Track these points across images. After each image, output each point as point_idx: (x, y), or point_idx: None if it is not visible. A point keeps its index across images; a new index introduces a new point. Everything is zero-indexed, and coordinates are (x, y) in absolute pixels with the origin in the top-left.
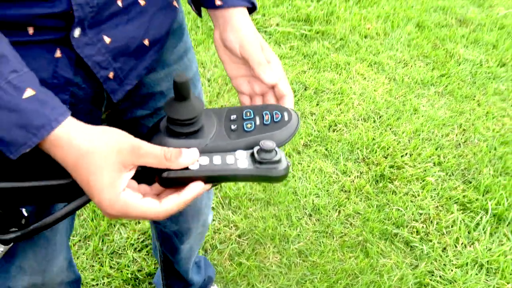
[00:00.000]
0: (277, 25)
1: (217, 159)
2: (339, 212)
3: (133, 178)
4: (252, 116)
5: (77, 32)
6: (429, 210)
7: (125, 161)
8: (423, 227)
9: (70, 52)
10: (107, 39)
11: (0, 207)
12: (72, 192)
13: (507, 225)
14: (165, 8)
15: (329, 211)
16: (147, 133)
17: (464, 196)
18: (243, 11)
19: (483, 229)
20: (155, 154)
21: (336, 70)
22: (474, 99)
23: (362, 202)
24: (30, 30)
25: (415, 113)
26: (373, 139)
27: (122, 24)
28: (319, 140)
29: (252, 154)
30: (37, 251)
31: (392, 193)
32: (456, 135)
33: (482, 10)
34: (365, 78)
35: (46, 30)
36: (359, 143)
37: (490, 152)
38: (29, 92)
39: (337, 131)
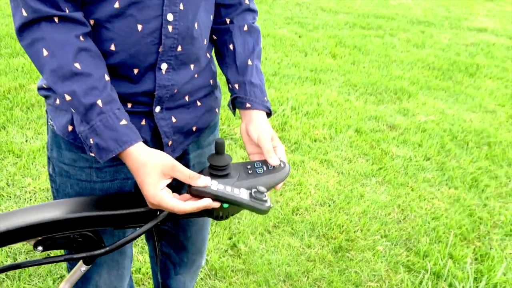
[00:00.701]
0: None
1: (228, 188)
2: (308, 277)
3: (170, 188)
4: (261, 165)
5: (158, 109)
6: (381, 272)
7: (165, 172)
8: (377, 285)
9: (151, 122)
10: (174, 119)
11: (91, 231)
12: (142, 218)
13: (444, 280)
14: (210, 111)
15: (300, 277)
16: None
17: (408, 260)
18: (263, 113)
19: (426, 285)
20: (184, 173)
21: (293, 167)
22: (408, 186)
23: (326, 268)
24: (129, 105)
25: (361, 198)
26: (330, 219)
27: (184, 113)
28: (285, 222)
29: (250, 192)
30: (111, 272)
31: (350, 260)
32: (397, 213)
33: (407, 118)
34: (318, 173)
35: (138, 104)
36: (318, 222)
37: (425, 225)
38: (123, 122)
39: (299, 214)
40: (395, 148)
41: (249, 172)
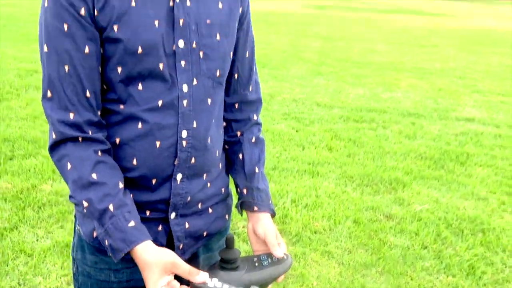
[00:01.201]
0: (243, 227)
1: (226, 286)
2: None
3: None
4: (266, 258)
5: (173, 215)
6: None
7: (167, 268)
8: None
9: (166, 228)
10: (187, 225)
11: None
12: None
13: None
14: (221, 218)
15: None
16: (209, 268)
17: None
18: (268, 214)
19: None
20: (184, 269)
21: (295, 259)
22: (407, 275)
23: None
24: (147, 212)
25: None
26: None
27: (197, 219)
28: None
29: None
30: None
31: None
32: None
33: (403, 207)
34: (319, 264)
35: (155, 211)
36: None
37: None
38: (132, 223)
39: None
40: (393, 238)
41: (256, 264)
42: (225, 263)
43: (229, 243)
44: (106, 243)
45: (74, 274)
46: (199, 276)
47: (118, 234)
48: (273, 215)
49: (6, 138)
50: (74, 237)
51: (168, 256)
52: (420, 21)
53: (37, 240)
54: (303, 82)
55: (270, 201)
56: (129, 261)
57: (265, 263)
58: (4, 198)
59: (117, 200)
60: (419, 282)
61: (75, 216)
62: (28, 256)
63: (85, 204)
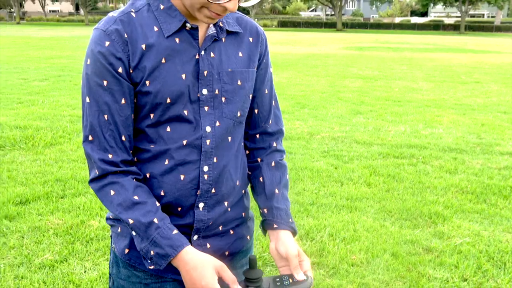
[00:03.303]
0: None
1: None
2: None
3: None
4: (287, 278)
5: (195, 237)
6: None
7: (217, 269)
8: None
9: None
10: (208, 245)
11: None
12: None
13: None
14: (242, 238)
15: None
16: None
17: None
18: (288, 233)
19: None
20: (230, 275)
21: None
22: None
23: None
24: (175, 231)
25: None
26: None
27: (217, 240)
28: None
29: None
30: None
31: None
32: None
33: (442, 241)
34: None
35: (182, 229)
36: None
37: None
38: (175, 231)
39: None
40: (432, 271)
41: (278, 284)
42: (249, 282)
43: (252, 263)
44: (152, 253)
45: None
46: (237, 286)
47: (165, 242)
48: (294, 233)
49: (58, 178)
50: (110, 255)
51: (217, 259)
52: (462, 58)
53: (84, 272)
54: (342, 121)
55: (290, 220)
56: (158, 277)
57: (286, 282)
58: (55, 233)
59: (159, 214)
60: None
61: (111, 237)
62: (77, 286)
63: (131, 221)
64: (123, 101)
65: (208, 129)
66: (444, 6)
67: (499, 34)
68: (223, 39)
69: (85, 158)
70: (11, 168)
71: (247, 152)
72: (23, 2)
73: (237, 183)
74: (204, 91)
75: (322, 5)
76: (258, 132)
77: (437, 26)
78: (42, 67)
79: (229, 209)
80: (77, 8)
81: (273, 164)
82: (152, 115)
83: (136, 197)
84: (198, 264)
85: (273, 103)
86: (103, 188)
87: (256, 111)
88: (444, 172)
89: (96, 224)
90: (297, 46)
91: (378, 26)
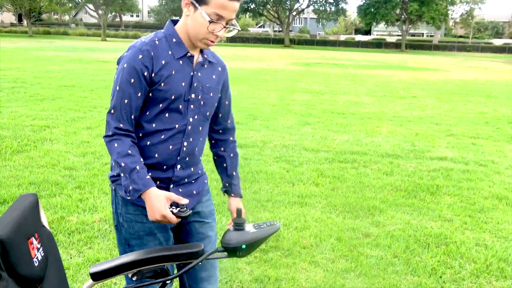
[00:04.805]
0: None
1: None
2: None
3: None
4: (264, 223)
5: (172, 186)
6: None
7: (168, 197)
8: None
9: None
10: (180, 190)
11: (164, 265)
12: (191, 257)
13: None
14: (202, 183)
15: None
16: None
17: None
18: (238, 199)
19: None
20: (176, 197)
21: (287, 268)
22: (379, 276)
23: None
24: (157, 182)
25: None
26: None
27: (186, 186)
28: None
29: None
30: None
31: None
32: None
33: (379, 228)
34: (307, 271)
35: (162, 183)
36: None
37: None
38: (148, 176)
39: None
40: (369, 250)
41: (255, 227)
42: (236, 225)
43: (239, 213)
44: (130, 188)
45: (117, 226)
46: (184, 200)
47: (140, 181)
48: (240, 197)
49: (31, 181)
50: (114, 203)
51: (167, 192)
52: (402, 75)
53: (71, 258)
54: (292, 131)
55: (240, 191)
56: None
57: (263, 226)
58: None
59: (141, 164)
60: (389, 281)
61: (115, 190)
62: (66, 269)
63: (123, 164)
64: (139, 94)
65: (191, 119)
66: (386, 25)
67: (437, 53)
68: (206, 66)
69: (53, 164)
70: None
71: (213, 141)
72: None
73: (200, 157)
74: (192, 95)
75: (270, 22)
76: (221, 128)
77: (379, 44)
78: None
79: (192, 169)
80: (19, 19)
81: (231, 155)
82: (161, 105)
83: (129, 151)
84: (154, 198)
85: (230, 111)
86: (111, 141)
87: (220, 115)
88: (381, 174)
89: (75, 220)
90: (247, 61)
91: (324, 43)
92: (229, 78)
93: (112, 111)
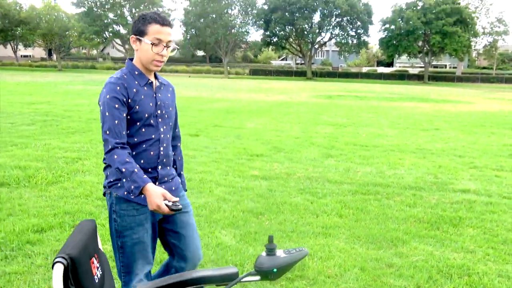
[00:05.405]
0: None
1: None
2: None
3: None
4: (294, 250)
5: (157, 183)
6: None
7: (163, 194)
8: None
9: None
10: (163, 187)
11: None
12: (227, 279)
13: None
14: (177, 181)
15: None
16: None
17: None
18: (185, 192)
19: None
20: (170, 196)
21: None
22: None
23: None
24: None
25: None
26: None
27: (167, 183)
28: None
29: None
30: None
31: None
32: None
33: (402, 259)
34: None
35: (151, 179)
36: None
37: None
38: (145, 176)
39: None
40: (392, 280)
41: (286, 252)
42: (268, 251)
43: (271, 240)
44: (132, 187)
45: (113, 219)
46: (175, 198)
47: (139, 180)
48: (186, 191)
49: (66, 211)
50: (109, 204)
51: (163, 189)
52: (424, 107)
53: None
54: (315, 163)
55: (185, 186)
56: (140, 205)
57: (293, 251)
58: None
59: (138, 168)
60: None
61: (110, 193)
62: None
63: (123, 170)
64: (124, 115)
65: (161, 130)
66: (408, 57)
67: (460, 84)
68: (162, 88)
69: (87, 195)
70: (21, 203)
71: None
72: None
73: (172, 159)
74: (159, 111)
75: (292, 55)
76: (172, 136)
77: (402, 76)
78: (26, 112)
79: (168, 168)
80: (49, 54)
81: (179, 158)
82: (138, 123)
83: (127, 159)
84: (153, 192)
85: (178, 122)
86: (111, 154)
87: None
88: (404, 206)
89: (109, 248)
90: (269, 94)
91: (346, 75)
92: (253, 110)
93: (107, 132)
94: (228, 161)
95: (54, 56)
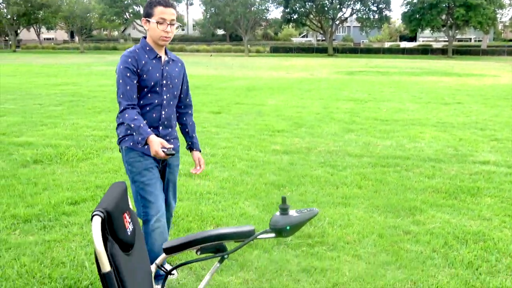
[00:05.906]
0: (290, 240)
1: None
2: None
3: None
4: (305, 210)
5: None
6: None
7: (161, 142)
8: None
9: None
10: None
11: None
12: (245, 235)
13: None
14: (177, 143)
15: None
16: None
17: None
18: (198, 152)
19: None
20: (166, 143)
21: (332, 261)
22: (418, 268)
23: None
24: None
25: (384, 277)
26: None
27: (169, 143)
28: None
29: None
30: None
31: None
32: (410, 286)
33: (419, 226)
34: (350, 263)
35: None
36: None
37: None
38: (149, 130)
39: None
40: (409, 246)
41: (298, 212)
42: (282, 210)
43: (284, 200)
44: (140, 138)
45: (129, 167)
46: (169, 145)
47: (144, 132)
48: (200, 151)
49: (97, 185)
50: (123, 156)
51: (162, 139)
52: (447, 81)
53: None
54: (336, 138)
55: (199, 146)
56: (145, 154)
57: (304, 211)
58: None
59: (144, 123)
60: (427, 273)
61: (121, 147)
62: None
63: (132, 125)
64: (135, 81)
65: (165, 96)
66: (432, 31)
67: (485, 58)
68: (170, 63)
69: (115, 170)
70: (55, 178)
71: (178, 114)
72: (19, 31)
73: (174, 122)
74: (164, 82)
75: (313, 31)
76: (183, 105)
77: (425, 51)
78: (52, 93)
79: (169, 129)
80: (71, 36)
81: (190, 123)
82: (145, 89)
83: (135, 117)
84: (153, 141)
85: (189, 92)
86: (123, 113)
87: (182, 95)
88: (423, 177)
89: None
90: (290, 71)
91: (368, 51)
92: (274, 88)
93: (121, 96)
94: (250, 137)
95: (76, 38)
